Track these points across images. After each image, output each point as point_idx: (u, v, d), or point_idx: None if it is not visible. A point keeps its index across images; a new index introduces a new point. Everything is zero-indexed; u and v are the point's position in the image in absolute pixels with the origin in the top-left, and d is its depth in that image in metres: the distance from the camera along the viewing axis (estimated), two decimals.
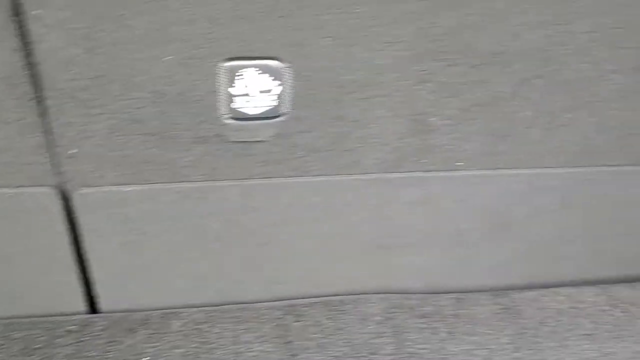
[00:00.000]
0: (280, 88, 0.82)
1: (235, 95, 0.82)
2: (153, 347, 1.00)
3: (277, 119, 0.85)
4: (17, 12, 0.74)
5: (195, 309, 1.08)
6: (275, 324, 1.06)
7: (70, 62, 0.77)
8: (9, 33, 0.75)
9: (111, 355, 0.98)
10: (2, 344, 0.99)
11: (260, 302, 1.10)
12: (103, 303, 1.07)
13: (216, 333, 1.03)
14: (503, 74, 0.86)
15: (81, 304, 1.06)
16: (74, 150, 0.87)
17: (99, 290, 1.05)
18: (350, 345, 1.03)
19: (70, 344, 1.00)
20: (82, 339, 1.01)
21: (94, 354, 0.98)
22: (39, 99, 0.81)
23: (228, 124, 0.85)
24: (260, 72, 0.80)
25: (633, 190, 1.08)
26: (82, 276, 1.03)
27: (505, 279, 1.15)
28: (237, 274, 1.07)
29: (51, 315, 1.06)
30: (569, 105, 0.92)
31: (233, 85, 0.81)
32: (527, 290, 1.15)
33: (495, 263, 1.13)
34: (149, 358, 0.98)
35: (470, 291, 1.14)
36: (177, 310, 1.07)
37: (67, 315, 1.06)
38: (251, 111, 0.83)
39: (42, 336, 1.01)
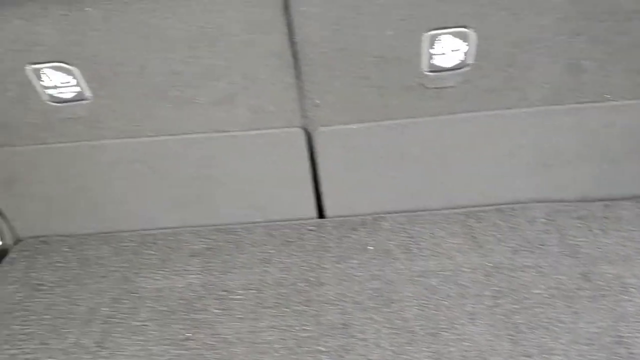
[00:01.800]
0: (467, 47, 1.13)
1: (434, 54, 1.14)
2: (373, 239, 1.38)
3: (463, 69, 1.17)
4: (286, 8, 1.11)
5: (397, 214, 1.44)
6: (461, 224, 1.39)
7: (321, 41, 1.14)
8: (281, 23, 1.13)
9: (344, 245, 1.37)
10: (266, 239, 1.42)
11: (446, 209, 1.44)
12: (328, 210, 1.46)
13: (417, 230, 1.39)
14: None
15: (313, 211, 1.47)
16: (318, 102, 1.24)
17: (326, 200, 1.44)
18: (523, 239, 1.33)
19: (313, 238, 1.41)
20: (321, 235, 1.41)
21: (331, 245, 1.38)
22: (297, 67, 1.19)
23: (428, 75, 1.18)
24: (453, 37, 1.11)
25: None
26: (315, 190, 1.43)
27: None
28: (427, 187, 1.41)
29: (292, 220, 1.47)
30: None
31: (433, 47, 1.13)
32: None
33: (638, 174, 1.36)
34: (372, 247, 1.36)
35: (616, 199, 1.39)
36: (384, 214, 1.44)
37: (304, 219, 1.47)
38: (445, 64, 1.16)
39: (292, 233, 1.43)
